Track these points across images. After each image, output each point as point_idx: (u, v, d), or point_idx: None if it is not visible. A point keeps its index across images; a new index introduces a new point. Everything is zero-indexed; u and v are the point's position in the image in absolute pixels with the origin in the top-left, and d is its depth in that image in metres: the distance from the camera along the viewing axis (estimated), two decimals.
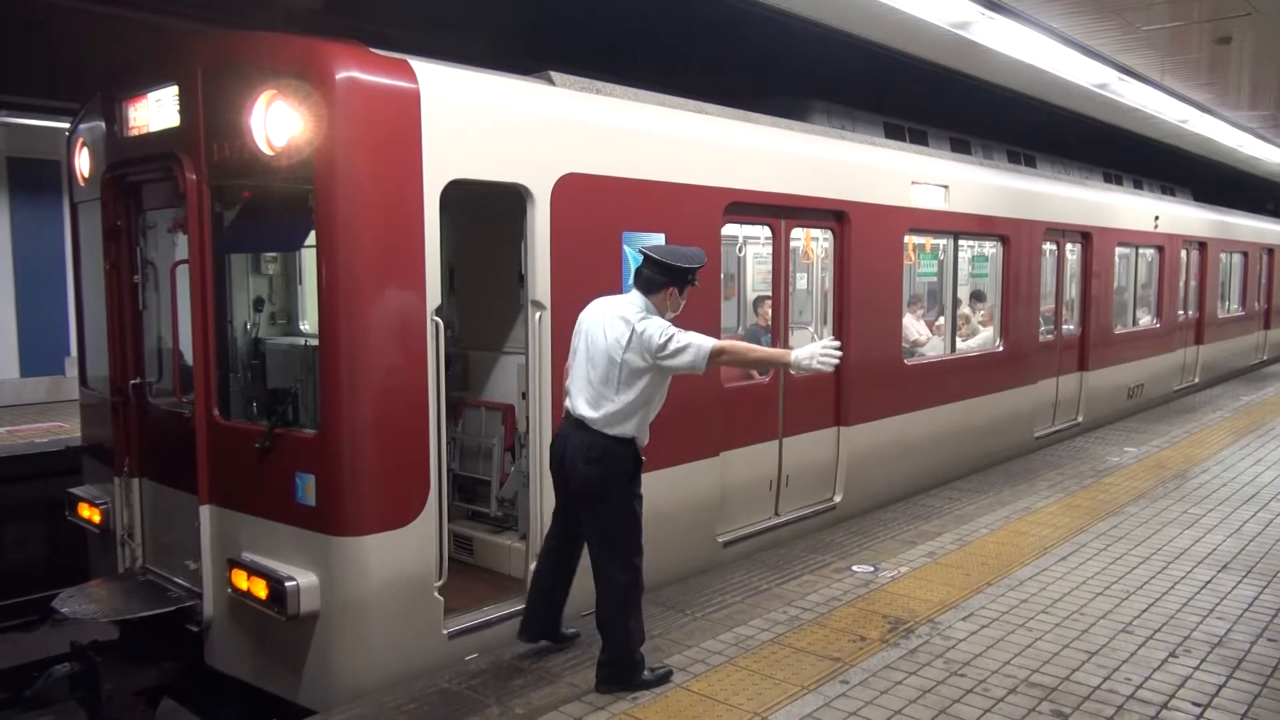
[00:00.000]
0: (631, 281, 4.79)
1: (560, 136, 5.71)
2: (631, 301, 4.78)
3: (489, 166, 5.34)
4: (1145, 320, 14.89)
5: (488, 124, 5.33)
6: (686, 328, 4.73)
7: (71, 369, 12.64)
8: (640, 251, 4.83)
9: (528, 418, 5.73)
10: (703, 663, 5.14)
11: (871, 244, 8.26)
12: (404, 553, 4.99)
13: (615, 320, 4.69)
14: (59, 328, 13.10)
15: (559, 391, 5.62)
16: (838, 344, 4.75)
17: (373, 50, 4.97)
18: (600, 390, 4.68)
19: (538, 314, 5.57)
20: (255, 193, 5.46)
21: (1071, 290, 12.46)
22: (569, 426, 4.82)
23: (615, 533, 4.78)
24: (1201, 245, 16.55)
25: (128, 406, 6.04)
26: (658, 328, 4.60)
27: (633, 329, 4.62)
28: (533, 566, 5.65)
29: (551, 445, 5.00)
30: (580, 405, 4.73)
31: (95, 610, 5.53)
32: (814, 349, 4.68)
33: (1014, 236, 10.47)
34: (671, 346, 4.57)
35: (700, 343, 4.58)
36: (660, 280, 4.77)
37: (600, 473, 4.68)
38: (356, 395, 4.82)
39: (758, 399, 7.41)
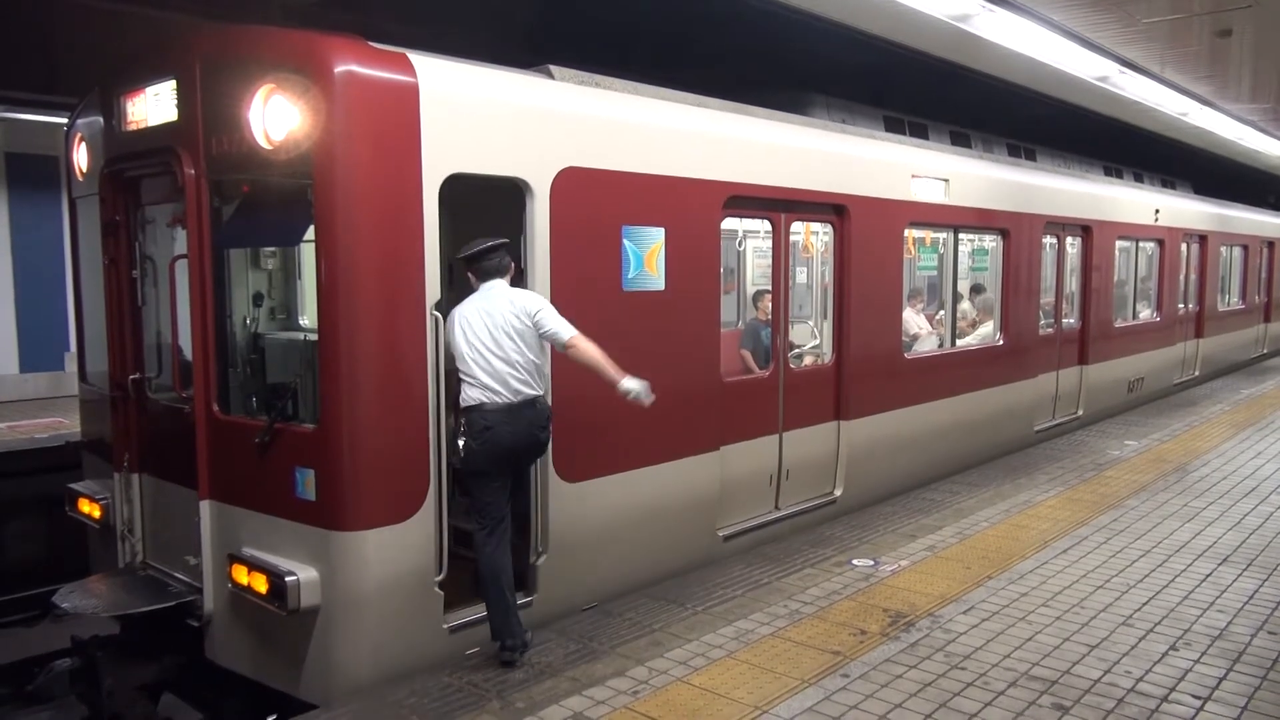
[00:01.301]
0: (482, 281, 5.22)
1: (559, 130, 5.70)
2: (497, 288, 5.19)
3: (488, 160, 5.33)
4: (1145, 314, 14.88)
5: (487, 118, 5.32)
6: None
7: (71, 364, 12.64)
8: (464, 257, 5.22)
9: None
10: (703, 656, 5.15)
11: (871, 238, 8.25)
12: (404, 547, 4.99)
13: (499, 302, 5.11)
14: (58, 323, 13.08)
15: (558, 385, 5.63)
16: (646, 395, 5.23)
17: (371, 44, 4.95)
18: (516, 361, 5.04)
19: None
20: (254, 187, 5.45)
21: (1071, 284, 12.45)
22: (503, 412, 5.02)
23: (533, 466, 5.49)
24: (1202, 238, 16.53)
25: (127, 402, 6.03)
26: (532, 296, 5.23)
27: (519, 304, 5.11)
28: (533, 561, 5.67)
29: (495, 437, 5.02)
30: (505, 387, 5.01)
31: (96, 605, 5.53)
32: (641, 388, 5.16)
33: (1014, 230, 10.45)
34: (544, 315, 5.09)
35: (563, 327, 5.10)
36: (507, 262, 5.28)
37: (550, 436, 5.32)
38: (356, 390, 4.82)
39: (757, 393, 7.41)
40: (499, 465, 5.08)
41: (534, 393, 5.09)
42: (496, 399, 5.00)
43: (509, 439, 5.03)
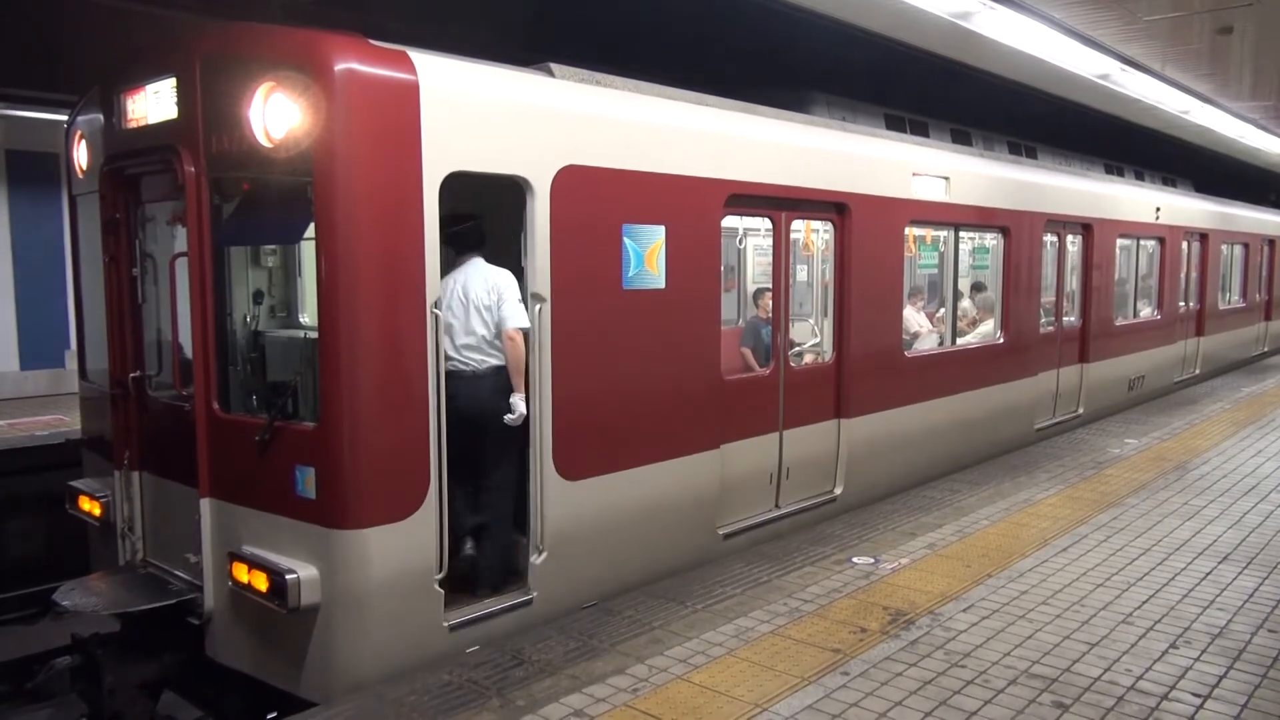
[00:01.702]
0: (461, 251, 5.71)
1: (560, 128, 5.70)
2: (477, 264, 5.70)
3: (489, 158, 5.33)
4: (1146, 312, 14.88)
5: (487, 116, 5.32)
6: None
7: (71, 362, 12.65)
8: (457, 231, 5.59)
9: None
10: (703, 654, 5.15)
11: (872, 236, 8.24)
12: (404, 545, 4.99)
13: (476, 279, 5.61)
14: (58, 321, 13.09)
15: (559, 383, 5.64)
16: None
17: (371, 42, 4.95)
18: (482, 336, 5.57)
19: (538, 306, 5.57)
20: (254, 185, 5.44)
21: (1072, 282, 12.44)
22: (469, 380, 5.52)
23: (512, 442, 5.66)
24: (1203, 236, 16.53)
25: (128, 400, 6.04)
26: (505, 278, 5.61)
27: (491, 280, 5.59)
28: (533, 559, 5.68)
29: (459, 402, 5.37)
30: (471, 359, 5.57)
31: (96, 603, 5.54)
32: (520, 414, 5.54)
33: (1015, 228, 10.45)
34: (506, 297, 5.53)
35: (513, 316, 5.51)
36: (481, 233, 5.79)
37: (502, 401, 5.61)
38: (356, 388, 4.82)
39: (758, 391, 7.41)
40: (460, 427, 5.37)
41: (499, 362, 5.58)
42: (464, 368, 5.54)
43: (472, 402, 5.50)
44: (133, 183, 6.06)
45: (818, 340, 8.47)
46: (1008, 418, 10.64)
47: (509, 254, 5.77)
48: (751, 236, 8.85)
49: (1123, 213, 13.20)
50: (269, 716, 5.49)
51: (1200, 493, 8.66)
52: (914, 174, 8.80)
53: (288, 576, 4.85)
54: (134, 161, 5.87)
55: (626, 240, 6.06)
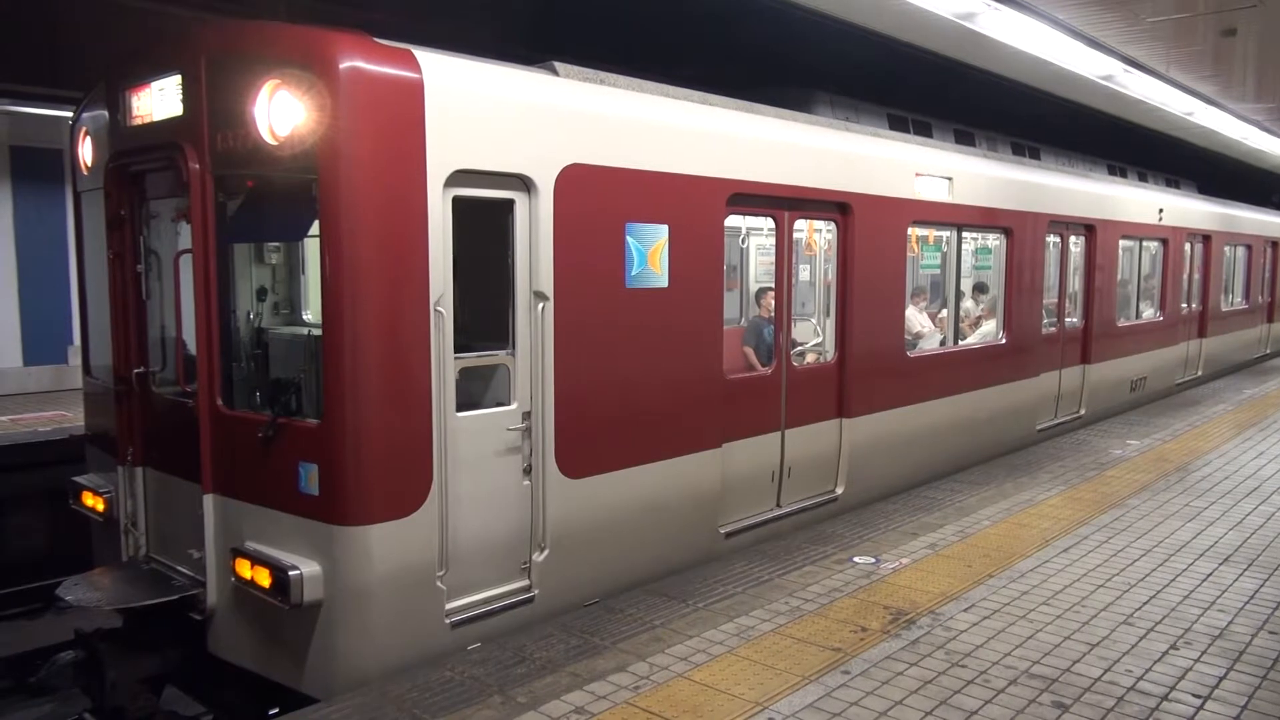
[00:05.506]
0: None
1: (564, 127, 5.71)
2: None
3: (493, 157, 5.34)
4: (1148, 313, 14.88)
5: (492, 114, 5.33)
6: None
7: (74, 358, 12.67)
8: None
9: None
10: (704, 653, 5.16)
11: (875, 236, 8.25)
12: (407, 542, 5.01)
13: None
14: (62, 317, 13.11)
15: (562, 381, 5.65)
16: None
17: (376, 40, 4.96)
18: None
19: (541, 304, 5.58)
20: (259, 183, 5.45)
21: (1075, 283, 12.44)
22: None
23: None
24: (1205, 238, 16.52)
25: (131, 395, 6.05)
26: None
27: None
28: (535, 557, 5.69)
29: None
30: None
31: (99, 598, 5.56)
32: None
33: (1017, 229, 10.45)
34: None
35: None
36: None
37: None
38: (359, 385, 4.83)
39: (760, 390, 7.42)
40: None
41: None
42: None
43: None
44: (137, 179, 6.07)
45: (820, 340, 8.48)
46: (1010, 418, 10.64)
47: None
48: (754, 236, 8.86)
49: (1126, 214, 13.19)
50: (270, 712, 5.50)
51: (1202, 494, 8.66)
52: (917, 174, 8.80)
53: (290, 573, 4.86)
54: (139, 158, 5.88)
55: (630, 239, 6.07)
